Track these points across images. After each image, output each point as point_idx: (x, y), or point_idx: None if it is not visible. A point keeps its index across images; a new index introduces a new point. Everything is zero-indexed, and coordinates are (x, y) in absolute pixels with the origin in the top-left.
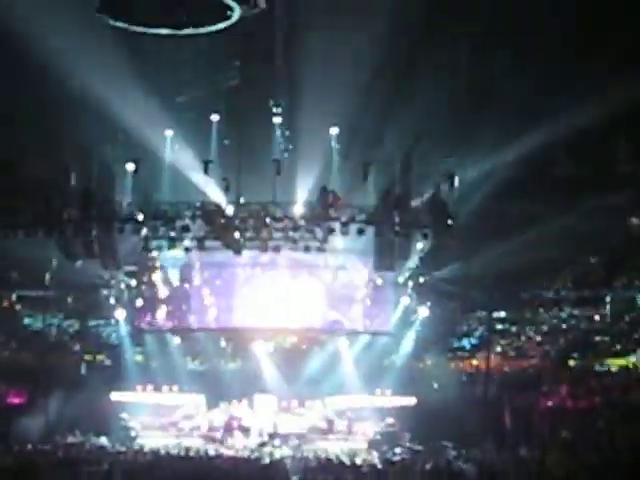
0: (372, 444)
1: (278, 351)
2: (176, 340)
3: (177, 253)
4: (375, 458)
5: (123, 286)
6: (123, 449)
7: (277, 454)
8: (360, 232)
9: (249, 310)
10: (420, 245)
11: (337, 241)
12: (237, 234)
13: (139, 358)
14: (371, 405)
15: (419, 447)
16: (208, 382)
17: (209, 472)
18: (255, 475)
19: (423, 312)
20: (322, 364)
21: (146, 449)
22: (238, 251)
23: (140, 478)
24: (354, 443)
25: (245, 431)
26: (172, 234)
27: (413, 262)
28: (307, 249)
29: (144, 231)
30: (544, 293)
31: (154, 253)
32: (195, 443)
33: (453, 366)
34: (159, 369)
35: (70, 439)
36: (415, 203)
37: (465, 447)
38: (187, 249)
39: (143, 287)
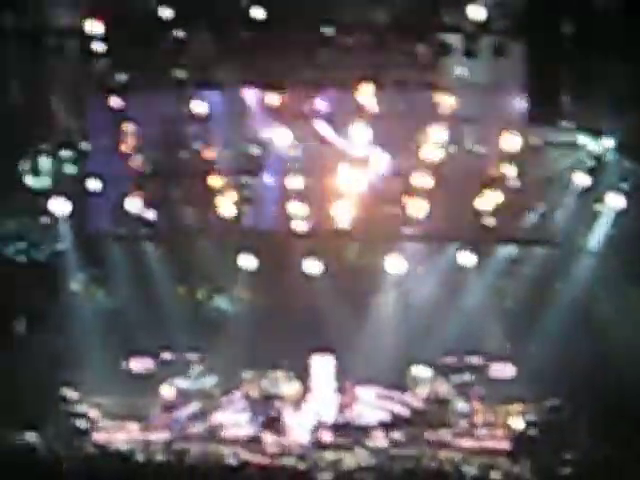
0: (521, 448)
1: (344, 274)
2: (156, 253)
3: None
4: (527, 473)
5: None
6: (66, 452)
7: (348, 462)
8: (499, 52)
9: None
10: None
11: (452, 70)
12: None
13: (93, 291)
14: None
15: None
16: (220, 335)
17: None
18: None
19: (617, 202)
20: (428, 297)
21: (109, 452)
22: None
23: None
24: (490, 447)
25: (292, 423)
26: None
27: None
28: (400, 84)
29: None
30: None
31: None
32: (199, 445)
33: None
34: (129, 308)
35: None
36: None
37: None
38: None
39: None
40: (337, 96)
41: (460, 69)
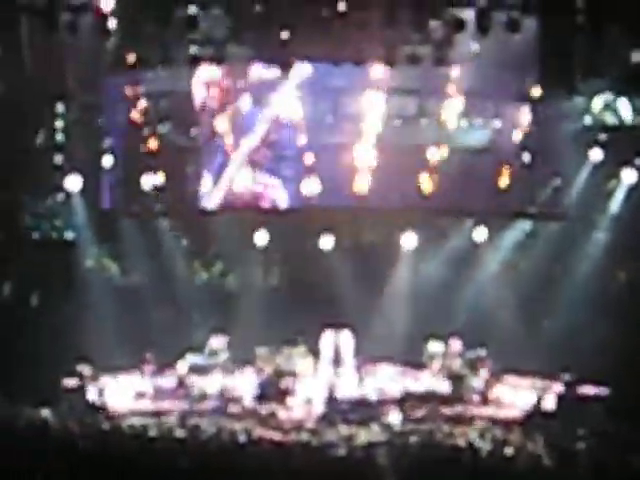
0: (535, 423)
1: (358, 251)
2: (170, 229)
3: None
4: (540, 449)
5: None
6: (77, 429)
7: (362, 438)
8: (513, 27)
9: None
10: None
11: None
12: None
13: (108, 265)
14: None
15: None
16: (236, 311)
17: (237, 470)
18: (321, 474)
19: (629, 177)
20: (441, 274)
21: (123, 429)
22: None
23: None
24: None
25: (304, 398)
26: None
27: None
28: (413, 60)
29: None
30: None
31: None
32: (211, 420)
33: None
34: (144, 284)
35: None
36: None
37: None
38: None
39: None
40: (352, 71)
41: (473, 44)
